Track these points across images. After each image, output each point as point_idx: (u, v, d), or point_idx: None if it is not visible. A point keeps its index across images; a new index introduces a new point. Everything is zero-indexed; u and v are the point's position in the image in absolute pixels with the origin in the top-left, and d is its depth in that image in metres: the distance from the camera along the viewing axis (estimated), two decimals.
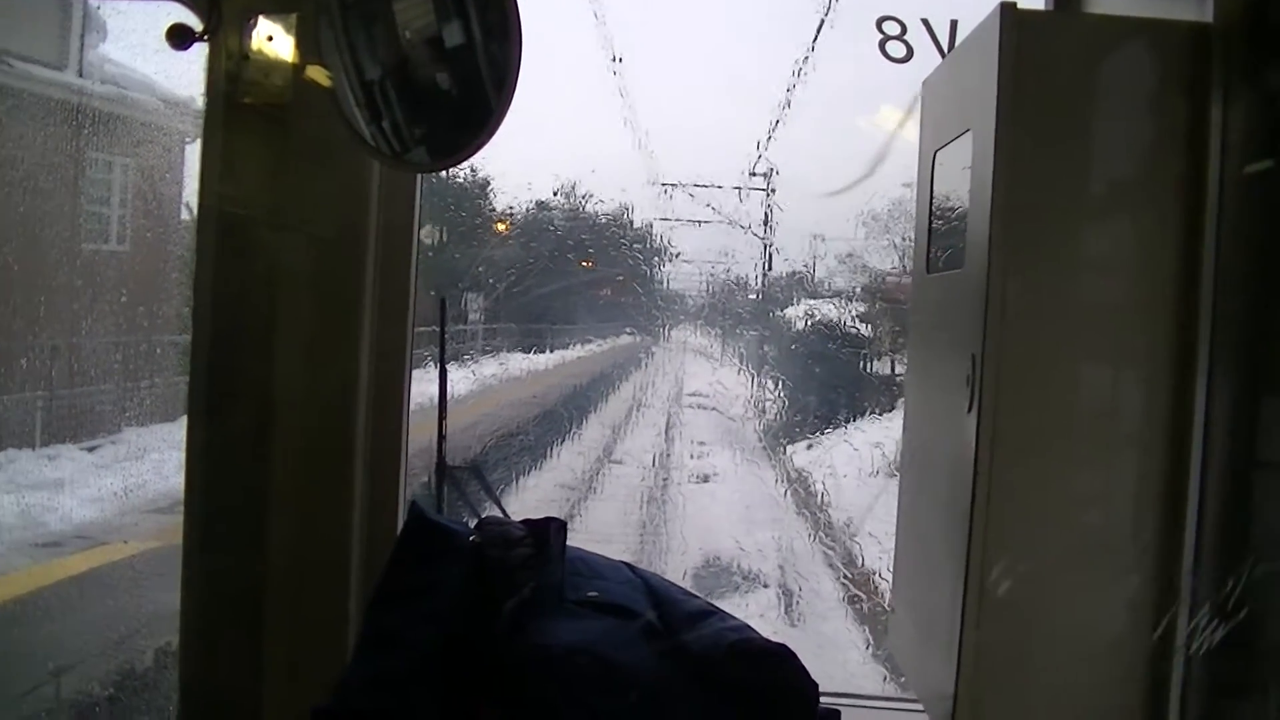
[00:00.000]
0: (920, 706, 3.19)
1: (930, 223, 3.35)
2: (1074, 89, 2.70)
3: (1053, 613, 2.72)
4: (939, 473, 3.08)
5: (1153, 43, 2.71)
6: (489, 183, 12.80)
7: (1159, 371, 2.68)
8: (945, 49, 3.34)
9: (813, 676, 3.13)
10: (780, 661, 3.10)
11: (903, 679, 3.73)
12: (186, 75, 3.37)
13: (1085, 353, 2.75)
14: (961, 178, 2.93)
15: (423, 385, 3.56)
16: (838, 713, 3.16)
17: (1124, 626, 2.72)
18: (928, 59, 3.42)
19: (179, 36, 3.05)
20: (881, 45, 3.39)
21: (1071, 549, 2.73)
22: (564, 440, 12.76)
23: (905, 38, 3.39)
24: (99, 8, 5.85)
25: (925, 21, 3.42)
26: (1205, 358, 2.62)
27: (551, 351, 14.94)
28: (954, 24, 3.35)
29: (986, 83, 2.69)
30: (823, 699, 3.14)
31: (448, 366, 3.52)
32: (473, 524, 3.19)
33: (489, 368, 13.83)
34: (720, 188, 13.18)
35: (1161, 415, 2.68)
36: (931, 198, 3.34)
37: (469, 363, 13.34)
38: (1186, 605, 2.66)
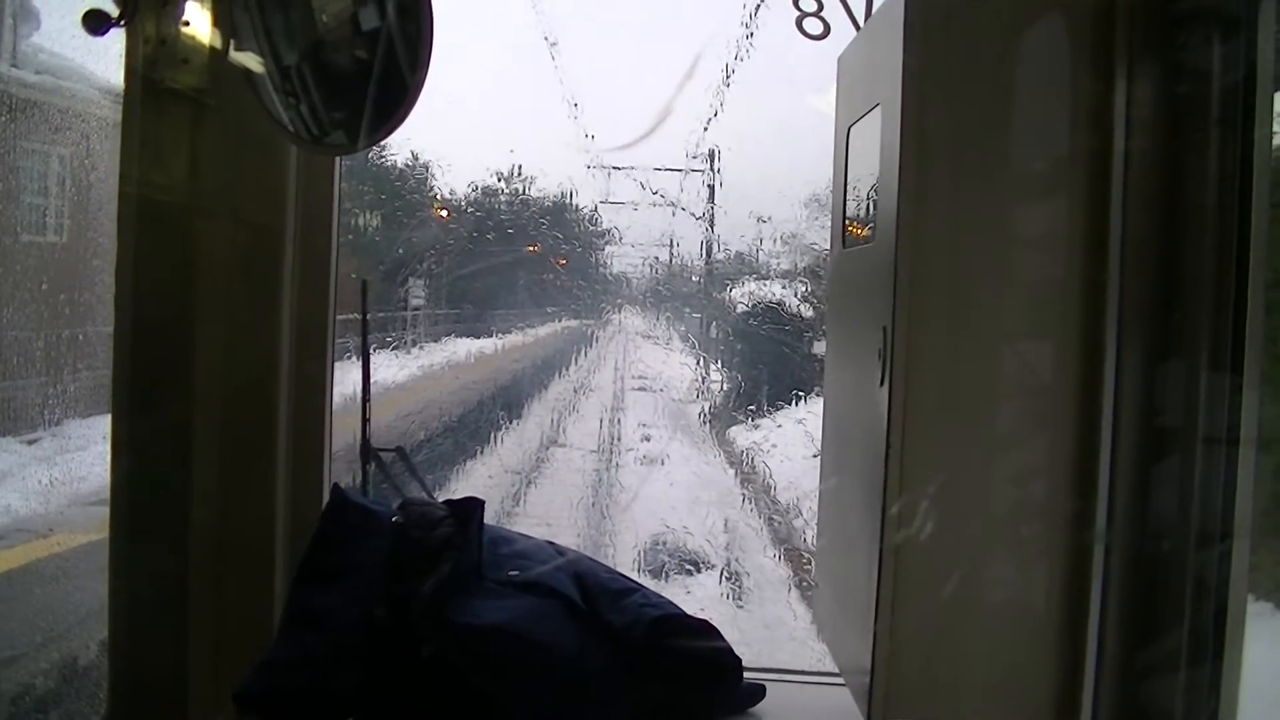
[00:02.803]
0: (843, 680, 3.21)
1: (845, 197, 3.37)
2: (980, 63, 2.71)
3: (967, 585, 2.74)
4: (855, 446, 3.10)
5: (1060, 18, 2.72)
6: (429, 168, 12.79)
7: (1068, 344, 2.70)
8: (860, 24, 3.35)
9: (736, 652, 3.16)
10: (703, 637, 3.13)
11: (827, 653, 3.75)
12: (117, 62, 3.34)
13: (995, 326, 2.76)
14: (874, 152, 2.95)
15: (355, 372, 3.57)
16: (763, 687, 3.19)
17: (1037, 598, 2.74)
18: (847, 35, 3.43)
19: (95, 21, 3.02)
20: (798, 22, 3.38)
21: (984, 521, 2.75)
22: (508, 424, 12.76)
23: (822, 14, 3.39)
24: None
25: None
26: (1113, 331, 2.64)
27: (494, 336, 14.92)
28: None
29: (894, 57, 2.70)
30: (747, 674, 3.17)
31: (372, 351, 3.54)
32: (396, 505, 3.20)
33: (431, 353, 13.81)
34: (663, 170, 13.20)
35: (1071, 388, 2.70)
36: (847, 172, 3.36)
37: (412, 349, 13.32)
38: (1099, 577, 2.69)
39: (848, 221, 3.37)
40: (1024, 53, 2.72)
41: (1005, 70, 2.72)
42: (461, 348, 14.40)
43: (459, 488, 9.76)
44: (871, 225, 3.07)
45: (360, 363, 3.52)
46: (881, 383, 2.72)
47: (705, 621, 3.15)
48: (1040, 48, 2.72)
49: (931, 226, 2.66)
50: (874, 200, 3.03)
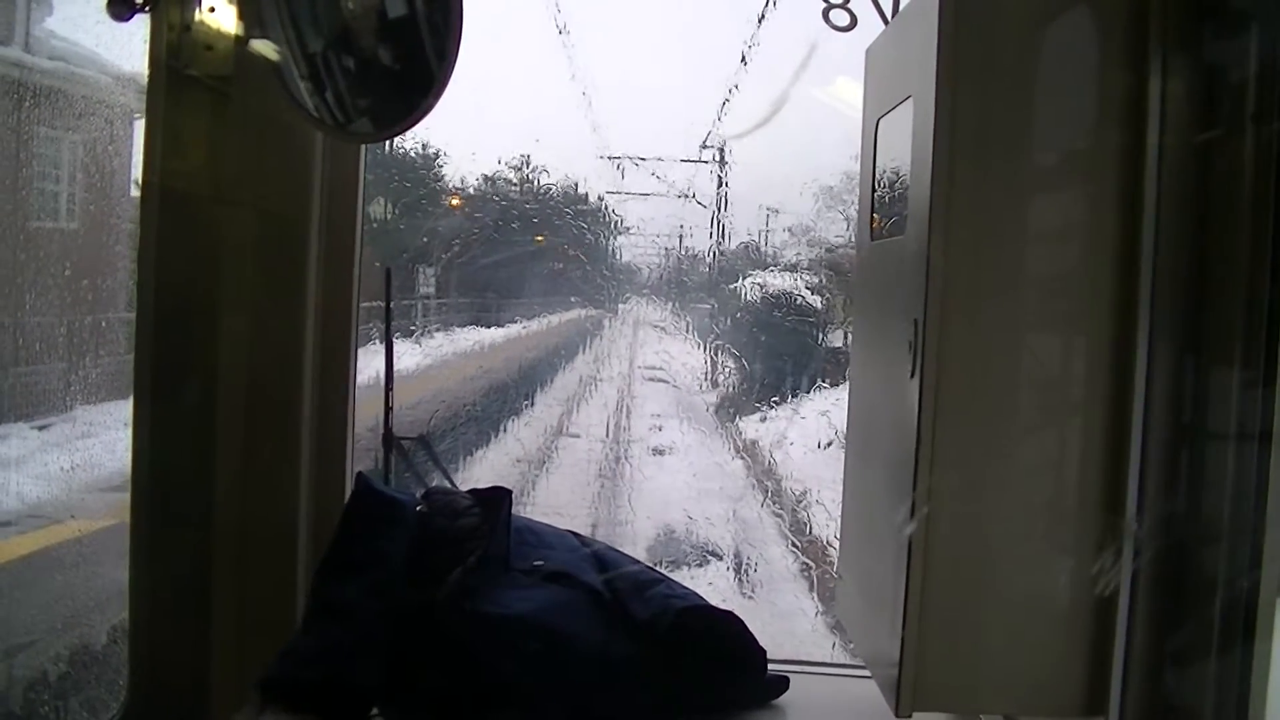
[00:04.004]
0: (867, 672, 3.20)
1: (873, 189, 3.36)
2: (1014, 55, 2.70)
3: (995, 577, 2.73)
4: (883, 438, 3.09)
5: (1094, 10, 2.71)
6: (439, 156, 12.77)
7: (1100, 338, 2.68)
8: (889, 16, 3.34)
9: (760, 643, 3.16)
10: (728, 628, 3.13)
11: (851, 645, 3.75)
12: (134, 48, 3.33)
13: (1026, 319, 2.74)
14: (904, 144, 2.94)
15: (375, 359, 3.57)
16: (786, 679, 3.19)
17: (1066, 590, 2.73)
18: (873, 27, 3.41)
19: (120, 7, 3.02)
20: (825, 13, 3.37)
21: (1013, 513, 2.73)
22: (519, 414, 12.75)
23: (849, 6, 3.37)
24: None
25: None
26: (1145, 325, 2.63)
27: (503, 326, 14.90)
28: None
29: (927, 49, 2.69)
30: (771, 665, 3.17)
31: (393, 339, 3.53)
32: (420, 494, 3.20)
33: (441, 342, 13.79)
34: (675, 161, 13.20)
35: (1102, 381, 2.68)
36: (875, 164, 3.35)
37: (421, 337, 13.30)
38: (1128, 570, 2.68)
39: (875, 214, 3.37)
40: (1058, 45, 2.71)
41: (1039, 63, 2.71)
42: (469, 337, 14.38)
43: (470, 476, 9.76)
44: (900, 218, 3.06)
45: (383, 350, 3.52)
46: (912, 375, 2.71)
47: (730, 613, 3.16)
48: (1074, 40, 2.71)
49: (963, 219, 2.65)
50: (903, 193, 3.02)
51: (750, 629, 3.15)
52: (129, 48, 3.39)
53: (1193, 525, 2.66)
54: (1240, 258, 2.54)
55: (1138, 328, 2.63)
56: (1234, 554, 2.58)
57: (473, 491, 3.18)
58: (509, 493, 3.11)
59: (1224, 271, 2.59)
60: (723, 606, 3.21)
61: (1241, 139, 2.54)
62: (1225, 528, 2.59)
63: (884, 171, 3.29)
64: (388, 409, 3.47)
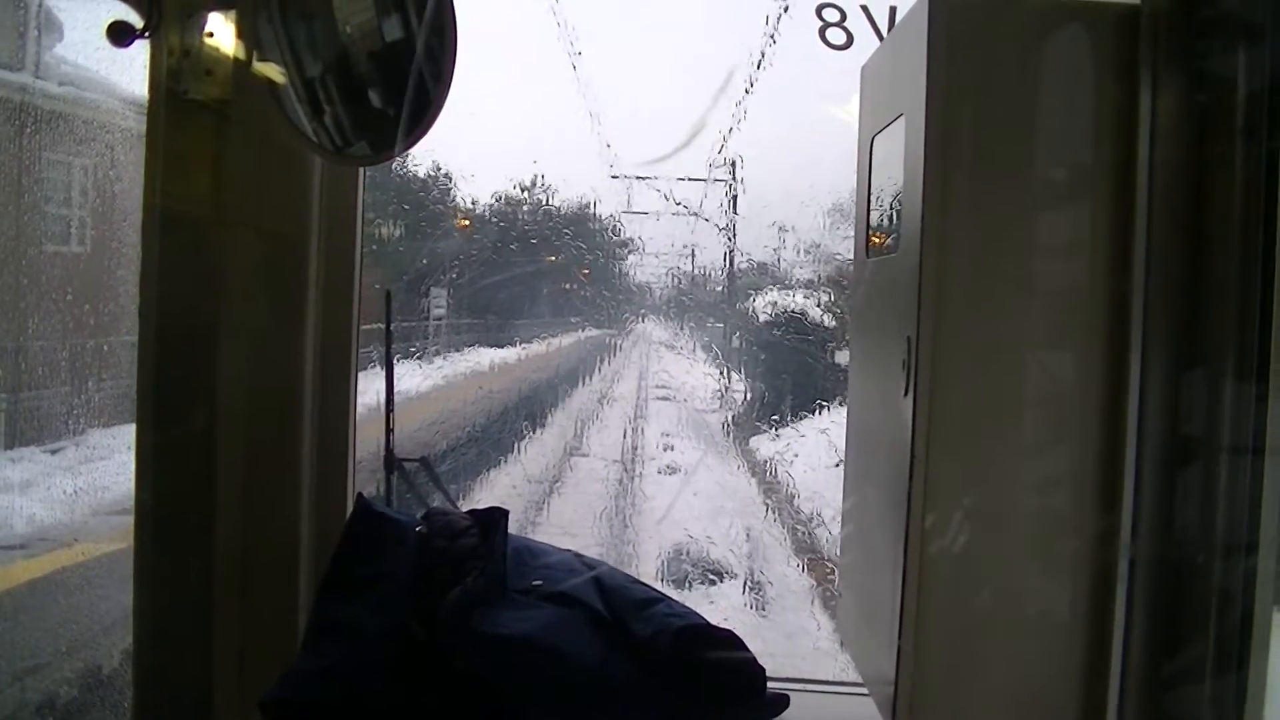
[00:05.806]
0: (867, 690, 3.20)
1: (869, 207, 3.37)
2: (1005, 72, 2.71)
3: (991, 594, 2.74)
4: (879, 457, 3.10)
5: (1084, 27, 2.72)
6: (450, 178, 12.77)
7: (1093, 354, 2.69)
8: (884, 35, 3.35)
9: (759, 661, 3.15)
10: (727, 647, 3.12)
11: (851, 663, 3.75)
12: (138, 73, 3.35)
13: (1019, 336, 2.75)
14: (898, 162, 2.95)
15: (377, 381, 3.58)
16: (786, 697, 3.18)
17: (1062, 608, 2.74)
18: (869, 45, 3.43)
19: (119, 33, 3.04)
20: (821, 32, 3.39)
21: (1009, 530, 2.74)
22: (530, 433, 12.73)
23: (845, 24, 3.39)
24: (44, 5, 5.79)
25: (865, 8, 3.43)
26: (1138, 340, 2.63)
27: (510, 347, 14.88)
28: (893, 10, 3.37)
29: (918, 66, 2.70)
30: (771, 684, 3.16)
31: (394, 361, 3.54)
32: (420, 515, 3.21)
33: (453, 363, 13.77)
34: (685, 180, 13.19)
35: (1096, 396, 2.69)
36: (870, 182, 3.36)
37: (434, 358, 13.28)
38: (1124, 587, 2.68)
39: (871, 231, 3.37)
40: (1048, 61, 2.72)
41: (1029, 79, 2.72)
42: (479, 358, 14.35)
43: (482, 497, 9.75)
44: (895, 235, 3.06)
45: (384, 373, 3.53)
46: (906, 393, 2.72)
47: (729, 632, 3.15)
48: (1064, 57, 2.72)
49: (956, 235, 2.66)
50: (898, 210, 3.03)
51: (749, 648, 3.15)
52: (132, 72, 3.41)
53: (1189, 541, 2.66)
54: (1232, 271, 2.55)
55: (1131, 343, 2.64)
56: (1230, 570, 2.58)
57: (471, 512, 3.18)
58: (505, 512, 3.11)
59: (1217, 285, 2.60)
60: (726, 625, 3.21)
61: (1231, 152, 2.55)
62: (1221, 543, 2.60)
63: (880, 189, 3.30)
64: (389, 431, 3.47)
